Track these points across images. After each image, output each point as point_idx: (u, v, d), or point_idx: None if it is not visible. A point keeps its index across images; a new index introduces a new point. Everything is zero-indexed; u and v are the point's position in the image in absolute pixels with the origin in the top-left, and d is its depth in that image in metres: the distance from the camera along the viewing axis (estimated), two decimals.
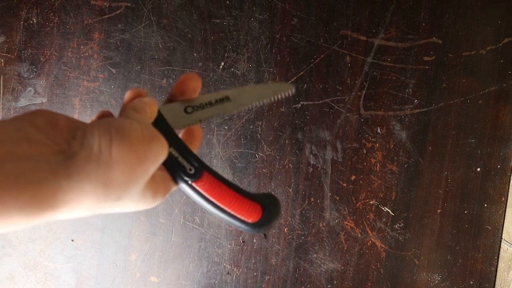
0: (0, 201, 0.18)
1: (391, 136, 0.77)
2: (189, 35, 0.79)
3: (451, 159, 0.76)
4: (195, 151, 0.31)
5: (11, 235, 0.83)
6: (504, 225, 0.76)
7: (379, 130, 0.77)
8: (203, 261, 0.80)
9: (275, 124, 0.78)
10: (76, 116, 0.81)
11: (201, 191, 0.29)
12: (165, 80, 0.79)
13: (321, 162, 0.78)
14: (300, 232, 0.79)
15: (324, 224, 0.78)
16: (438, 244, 0.77)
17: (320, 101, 0.78)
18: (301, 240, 0.79)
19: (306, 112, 0.78)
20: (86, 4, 0.79)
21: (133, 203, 0.25)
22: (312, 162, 0.78)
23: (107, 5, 0.79)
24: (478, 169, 0.76)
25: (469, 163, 0.76)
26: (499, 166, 0.76)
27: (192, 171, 0.29)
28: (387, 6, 0.76)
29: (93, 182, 0.22)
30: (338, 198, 0.78)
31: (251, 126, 0.79)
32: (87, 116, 0.81)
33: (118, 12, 0.79)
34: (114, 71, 0.80)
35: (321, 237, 0.78)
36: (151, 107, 0.28)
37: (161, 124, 0.29)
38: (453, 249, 0.77)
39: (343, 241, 0.78)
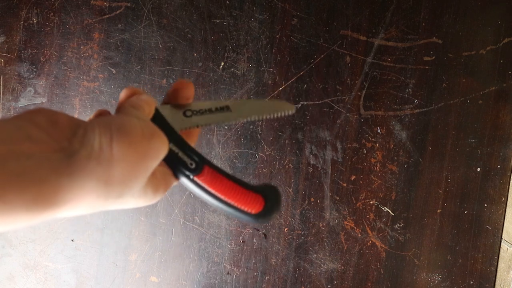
0: (3, 199, 0.18)
1: (391, 136, 0.77)
2: (189, 35, 0.79)
3: (451, 159, 0.76)
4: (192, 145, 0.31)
5: (11, 235, 0.83)
6: (504, 225, 0.76)
7: (379, 130, 0.77)
8: (203, 261, 0.80)
9: (275, 124, 0.78)
10: (76, 116, 0.81)
11: (203, 185, 0.29)
12: (165, 80, 0.79)
13: (321, 162, 0.78)
14: (300, 232, 0.79)
15: (324, 224, 0.78)
16: (438, 244, 0.77)
17: (320, 101, 0.78)
18: (301, 240, 0.79)
19: (306, 112, 0.78)
20: (86, 4, 0.79)
21: (134, 199, 0.25)
22: (312, 162, 0.78)
23: (107, 5, 0.79)
24: (478, 169, 0.76)
25: (469, 163, 0.76)
26: (499, 166, 0.76)
27: (193, 166, 0.29)
28: (387, 6, 0.76)
29: (94, 180, 0.22)
30: (338, 198, 0.78)
31: (251, 126, 0.79)
32: (87, 116, 0.81)
33: (118, 12, 0.79)
34: (114, 71, 0.80)
35: (321, 237, 0.78)
36: (149, 104, 0.29)
37: (159, 121, 0.29)
38: (453, 249, 0.77)
39: (343, 241, 0.78)
